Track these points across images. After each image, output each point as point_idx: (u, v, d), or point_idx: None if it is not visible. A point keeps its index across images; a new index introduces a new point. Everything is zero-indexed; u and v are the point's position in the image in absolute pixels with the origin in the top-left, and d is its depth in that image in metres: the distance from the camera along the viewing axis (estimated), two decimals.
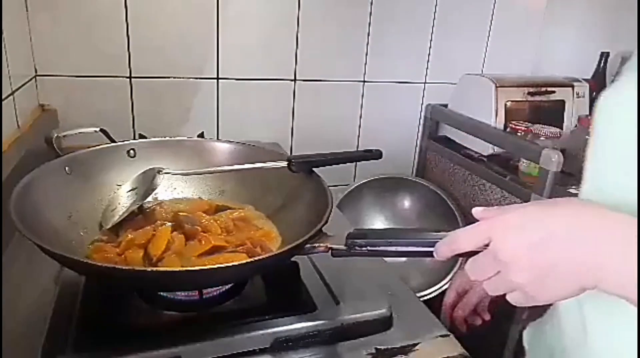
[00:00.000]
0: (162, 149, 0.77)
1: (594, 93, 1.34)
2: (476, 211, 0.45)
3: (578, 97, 1.31)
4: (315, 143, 1.34)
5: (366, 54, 1.35)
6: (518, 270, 0.40)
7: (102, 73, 1.15)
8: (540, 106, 1.29)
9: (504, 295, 0.44)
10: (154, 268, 0.56)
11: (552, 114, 1.28)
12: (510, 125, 1.21)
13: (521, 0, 1.47)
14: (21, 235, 0.49)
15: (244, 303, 0.62)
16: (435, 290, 1.23)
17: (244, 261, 0.54)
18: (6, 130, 0.85)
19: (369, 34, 1.33)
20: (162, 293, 0.61)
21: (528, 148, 1.11)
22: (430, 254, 0.48)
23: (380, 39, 1.34)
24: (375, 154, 0.72)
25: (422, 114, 1.48)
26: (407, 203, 1.44)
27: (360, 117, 1.42)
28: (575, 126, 1.29)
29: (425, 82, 1.45)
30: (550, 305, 0.60)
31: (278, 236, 0.69)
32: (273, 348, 0.56)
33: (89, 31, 1.10)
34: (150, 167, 0.73)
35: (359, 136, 1.44)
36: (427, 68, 1.43)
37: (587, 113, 1.30)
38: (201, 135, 1.02)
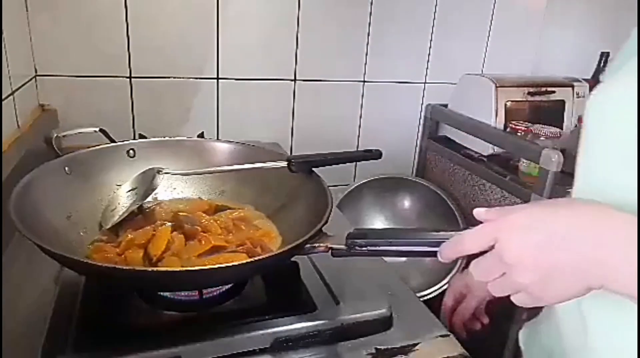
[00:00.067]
0: (162, 149, 0.77)
1: None
2: (478, 212, 0.45)
3: (578, 97, 1.31)
4: (315, 143, 1.34)
5: (366, 54, 1.35)
6: (523, 271, 0.40)
7: (102, 73, 1.15)
8: (540, 106, 1.29)
9: (503, 296, 0.44)
10: (155, 268, 0.56)
11: (552, 114, 1.28)
12: (510, 125, 1.21)
13: (521, 0, 1.47)
14: (21, 235, 0.49)
15: (244, 303, 0.62)
16: (435, 290, 1.23)
17: (244, 261, 0.54)
18: (6, 130, 0.85)
19: (369, 34, 1.33)
20: (162, 293, 0.61)
21: (528, 148, 1.11)
22: (430, 254, 0.48)
23: (380, 39, 1.34)
24: (375, 154, 0.72)
25: (422, 114, 1.48)
26: (407, 203, 1.44)
27: (360, 117, 1.42)
28: (575, 126, 1.29)
29: (425, 82, 1.45)
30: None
31: (278, 236, 0.69)
32: (273, 348, 0.56)
33: (89, 31, 1.10)
34: (150, 167, 0.73)
35: (359, 136, 1.44)
36: (427, 68, 1.43)
37: None
38: (201, 135, 1.02)
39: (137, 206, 0.69)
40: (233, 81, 1.25)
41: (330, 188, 0.66)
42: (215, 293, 0.62)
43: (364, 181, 1.40)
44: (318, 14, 1.26)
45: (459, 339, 0.62)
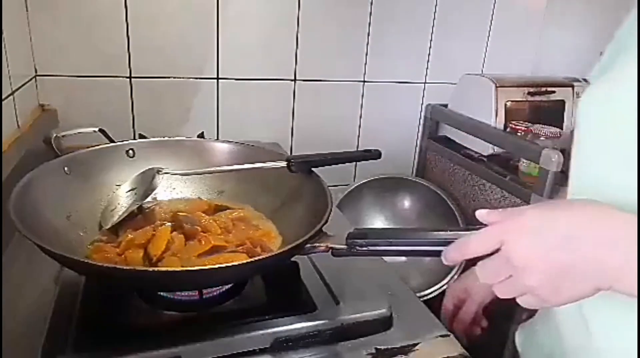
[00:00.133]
0: (161, 149, 0.77)
1: None
2: (481, 214, 0.45)
3: (578, 97, 1.31)
4: (315, 143, 1.34)
5: (366, 54, 1.35)
6: (532, 273, 0.40)
7: (102, 73, 1.15)
8: (540, 106, 1.29)
9: (502, 299, 0.44)
10: (156, 268, 0.56)
11: (552, 114, 1.28)
12: (510, 125, 1.21)
13: (521, 0, 1.47)
14: (21, 235, 0.49)
15: (244, 303, 0.62)
16: (435, 290, 1.23)
17: (244, 261, 0.54)
18: (6, 130, 0.85)
19: (369, 34, 1.33)
20: (162, 293, 0.61)
21: (528, 148, 1.11)
22: (430, 253, 0.48)
23: (380, 39, 1.34)
24: (375, 154, 0.72)
25: (422, 114, 1.48)
26: (407, 203, 1.44)
27: (360, 117, 1.42)
28: None
29: (425, 82, 1.45)
30: None
31: (278, 236, 0.69)
32: (273, 348, 0.56)
33: (89, 31, 1.10)
34: (150, 167, 0.73)
35: (359, 136, 1.44)
36: (427, 68, 1.43)
37: None
38: (201, 135, 1.02)
39: (137, 206, 0.69)
40: (233, 81, 1.25)
41: (330, 188, 0.66)
42: (215, 293, 0.62)
43: (364, 181, 1.40)
44: (318, 14, 1.26)
45: (459, 339, 0.62)
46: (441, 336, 0.62)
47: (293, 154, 1.19)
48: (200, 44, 1.20)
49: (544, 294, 0.41)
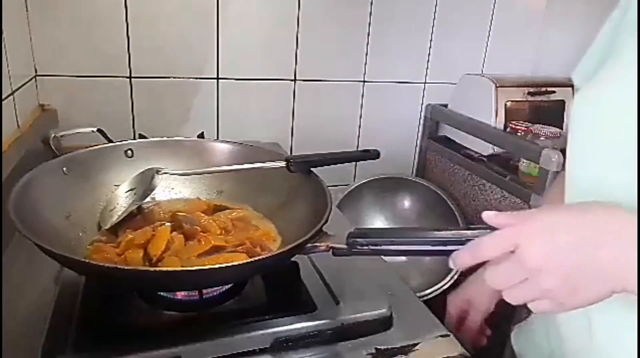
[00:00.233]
0: (160, 149, 0.77)
1: None
2: (488, 216, 0.44)
3: None
4: (315, 143, 1.34)
5: (366, 54, 1.35)
6: (548, 276, 0.40)
7: (102, 73, 1.15)
8: (540, 106, 1.29)
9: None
10: (156, 268, 0.56)
11: (552, 114, 1.28)
12: (510, 125, 1.21)
13: (521, 0, 1.47)
14: (21, 235, 0.49)
15: (244, 303, 0.62)
16: (435, 290, 1.23)
17: (245, 261, 0.54)
18: (6, 130, 0.85)
19: (369, 34, 1.33)
20: (162, 293, 0.61)
21: (528, 148, 1.11)
22: (431, 253, 0.48)
23: (380, 39, 1.34)
24: (373, 154, 0.72)
25: (422, 114, 1.48)
26: (407, 203, 1.44)
27: (360, 117, 1.42)
28: None
29: (425, 82, 1.45)
30: None
31: (277, 236, 0.69)
32: (273, 348, 0.56)
33: (89, 31, 1.10)
34: (149, 167, 0.73)
35: (359, 136, 1.44)
36: (427, 68, 1.43)
37: None
38: (201, 135, 1.02)
39: (136, 206, 0.69)
40: (233, 81, 1.25)
41: (330, 188, 0.66)
42: (215, 293, 0.62)
43: (364, 181, 1.40)
44: (318, 14, 1.26)
45: (459, 339, 0.62)
46: (441, 336, 0.62)
47: (293, 154, 1.19)
48: (200, 44, 1.20)
49: (561, 297, 0.40)
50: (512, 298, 0.42)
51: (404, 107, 1.46)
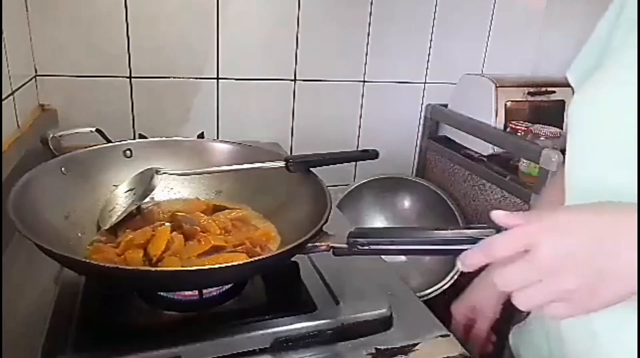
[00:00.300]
0: (159, 149, 0.77)
1: None
2: (497, 215, 0.42)
3: None
4: (315, 143, 1.34)
5: (366, 54, 1.35)
6: (567, 276, 0.38)
7: (102, 73, 1.15)
8: (540, 106, 1.29)
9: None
10: (158, 268, 0.56)
11: (552, 114, 1.28)
12: (510, 125, 1.21)
13: (521, 0, 1.47)
14: (21, 235, 0.49)
15: (244, 303, 0.62)
16: (435, 290, 1.23)
17: (245, 261, 0.54)
18: (6, 130, 0.85)
19: (369, 34, 1.33)
20: (162, 293, 0.61)
21: (528, 148, 1.11)
22: (431, 252, 0.48)
23: (380, 39, 1.34)
24: (372, 154, 0.72)
25: (422, 114, 1.48)
26: (407, 203, 1.44)
27: (360, 117, 1.42)
28: None
29: (425, 82, 1.45)
30: None
31: (277, 235, 0.69)
32: (273, 348, 0.56)
33: (89, 31, 1.10)
34: (148, 167, 0.72)
35: (359, 136, 1.44)
36: (427, 68, 1.43)
37: None
38: (201, 135, 1.02)
39: (136, 206, 0.69)
40: (233, 81, 1.25)
41: (330, 188, 0.66)
42: (215, 293, 0.62)
43: (364, 181, 1.40)
44: (318, 14, 1.26)
45: (459, 339, 0.62)
46: (441, 336, 0.62)
47: (293, 154, 1.19)
48: (200, 44, 1.20)
49: (580, 298, 0.39)
50: (524, 302, 0.40)
51: (404, 107, 1.46)
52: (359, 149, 1.30)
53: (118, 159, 0.74)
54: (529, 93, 1.28)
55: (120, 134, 0.87)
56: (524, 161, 1.14)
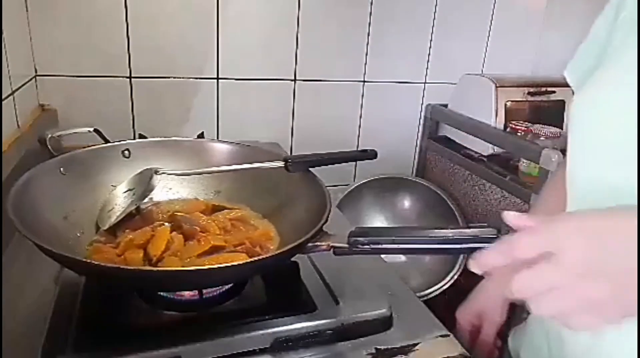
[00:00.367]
0: (158, 149, 0.76)
1: None
2: (509, 216, 0.40)
3: None
4: (315, 143, 1.34)
5: (366, 54, 1.35)
6: (598, 283, 0.35)
7: (102, 73, 1.15)
8: (540, 106, 1.29)
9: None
10: (159, 268, 0.56)
11: (552, 114, 1.28)
12: (510, 125, 1.21)
13: (521, 0, 1.47)
14: (21, 235, 0.49)
15: (244, 303, 0.62)
16: (435, 290, 1.23)
17: (245, 261, 0.54)
18: (6, 130, 0.85)
19: (369, 34, 1.33)
20: (162, 293, 0.61)
21: (528, 148, 1.11)
22: (431, 251, 0.47)
23: (380, 39, 1.34)
24: (370, 154, 0.72)
25: (422, 114, 1.48)
26: (407, 203, 1.44)
27: (360, 117, 1.42)
28: None
29: (425, 82, 1.45)
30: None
31: (276, 235, 0.69)
32: (273, 348, 0.56)
33: (89, 31, 1.10)
34: (147, 167, 0.72)
35: (359, 136, 1.44)
36: (427, 68, 1.43)
37: None
38: (201, 135, 1.02)
39: (135, 206, 0.69)
40: (233, 81, 1.25)
41: (330, 188, 0.66)
42: (215, 293, 0.62)
43: (364, 181, 1.40)
44: (318, 14, 1.26)
45: (459, 339, 0.62)
46: (441, 336, 0.62)
47: (293, 154, 1.19)
48: (200, 44, 1.20)
49: (607, 308, 0.36)
50: (545, 309, 0.37)
51: (404, 107, 1.46)
52: (360, 149, 1.30)
53: (117, 159, 0.73)
54: (529, 93, 1.28)
55: (120, 134, 0.87)
56: (524, 161, 1.14)
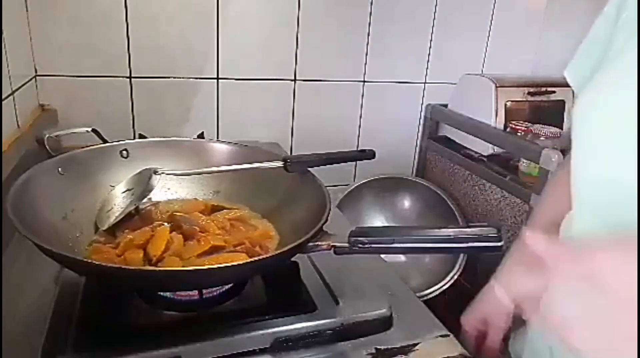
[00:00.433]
0: (157, 149, 0.76)
1: None
2: (533, 239, 0.37)
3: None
4: (315, 143, 1.34)
5: (366, 54, 1.35)
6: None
7: (102, 73, 1.15)
8: (540, 106, 1.29)
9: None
10: (160, 268, 0.56)
11: (552, 114, 1.28)
12: (510, 125, 1.21)
13: (521, 0, 1.47)
14: (21, 235, 0.49)
15: (244, 303, 0.62)
16: (435, 290, 1.23)
17: (246, 261, 0.54)
18: (6, 130, 0.85)
19: (369, 34, 1.33)
20: (162, 293, 0.61)
21: (528, 148, 1.11)
22: (431, 251, 0.47)
23: (380, 39, 1.34)
24: (369, 154, 0.72)
25: (422, 114, 1.48)
26: (407, 203, 1.44)
27: (360, 117, 1.42)
28: None
29: (425, 82, 1.45)
30: None
31: (276, 235, 0.69)
32: (273, 348, 0.56)
33: (89, 31, 1.10)
34: (146, 167, 0.72)
35: (358, 136, 1.44)
36: (427, 68, 1.43)
37: None
38: (201, 135, 1.02)
39: (134, 207, 0.69)
40: (233, 81, 1.25)
41: (330, 188, 0.66)
42: (215, 293, 0.62)
43: (364, 181, 1.40)
44: (318, 14, 1.26)
45: (459, 339, 0.62)
46: (441, 336, 0.62)
47: (293, 154, 1.19)
48: (200, 44, 1.20)
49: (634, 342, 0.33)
50: (588, 341, 0.35)
51: (404, 107, 1.46)
52: (360, 149, 1.30)
53: (116, 159, 0.73)
54: (529, 93, 1.28)
55: (120, 134, 0.87)
56: (524, 161, 1.14)
